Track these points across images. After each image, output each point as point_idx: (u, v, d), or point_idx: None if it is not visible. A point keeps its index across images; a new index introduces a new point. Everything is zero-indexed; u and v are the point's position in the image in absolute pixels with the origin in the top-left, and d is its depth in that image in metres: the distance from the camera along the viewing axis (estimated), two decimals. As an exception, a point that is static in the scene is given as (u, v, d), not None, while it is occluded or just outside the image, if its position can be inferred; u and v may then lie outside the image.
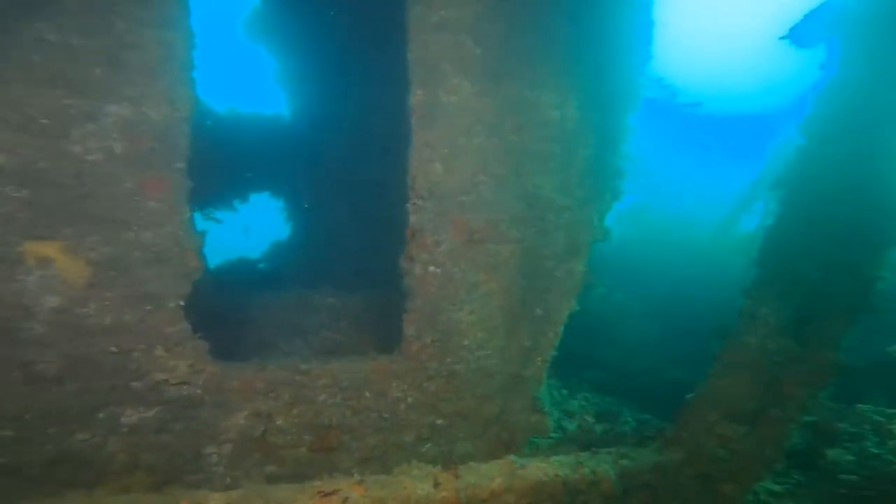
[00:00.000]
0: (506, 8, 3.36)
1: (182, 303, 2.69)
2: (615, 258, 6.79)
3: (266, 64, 6.41)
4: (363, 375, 3.26)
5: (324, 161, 6.15)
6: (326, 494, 2.13)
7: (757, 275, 3.03)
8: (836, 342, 2.95)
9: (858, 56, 2.99)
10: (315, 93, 6.13)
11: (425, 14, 3.09)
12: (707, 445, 2.83)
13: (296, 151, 6.02)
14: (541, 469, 2.44)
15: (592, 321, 5.59)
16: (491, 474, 2.31)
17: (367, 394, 3.25)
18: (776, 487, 3.41)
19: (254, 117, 5.74)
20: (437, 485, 2.20)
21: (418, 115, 3.27)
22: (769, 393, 2.84)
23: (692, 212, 9.32)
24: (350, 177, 6.17)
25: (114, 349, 2.57)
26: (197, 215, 5.36)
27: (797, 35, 4.14)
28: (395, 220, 5.55)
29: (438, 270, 3.51)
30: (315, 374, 3.11)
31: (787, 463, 3.44)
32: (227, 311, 4.45)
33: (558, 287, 3.81)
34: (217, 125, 5.31)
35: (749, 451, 2.80)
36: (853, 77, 2.98)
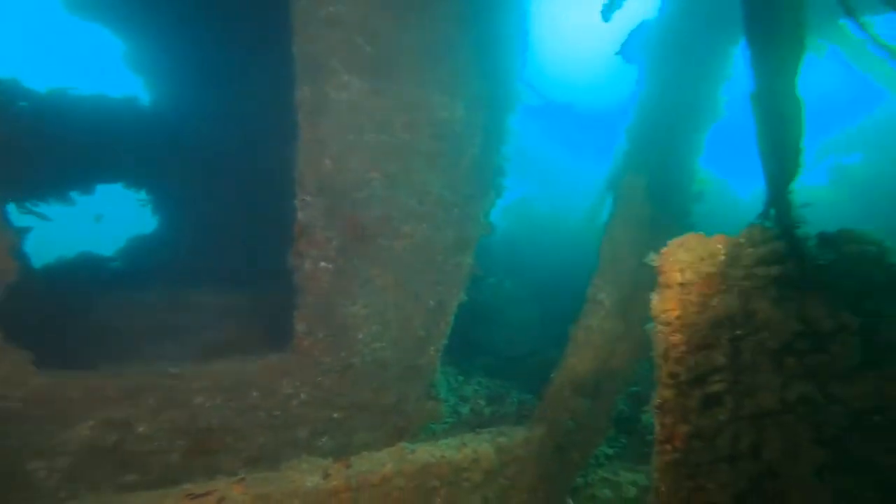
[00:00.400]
0: (396, 9, 3.41)
1: None
2: (504, 249, 7.29)
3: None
4: (249, 375, 3.17)
5: (199, 152, 5.62)
6: (196, 496, 2.02)
7: (598, 264, 3.53)
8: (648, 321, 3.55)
9: (660, 71, 3.64)
10: (184, 79, 5.54)
11: (312, 9, 3.02)
12: (562, 419, 3.26)
13: (160, 140, 5.39)
14: (428, 452, 2.61)
15: (485, 309, 5.97)
16: (382, 461, 2.41)
17: (255, 393, 3.18)
18: (609, 451, 4.02)
19: (93, 100, 4.96)
20: (326, 476, 2.24)
21: (306, 110, 3.23)
22: (605, 368, 3.36)
23: (568, 203, 10.39)
24: (232, 170, 5.73)
25: None
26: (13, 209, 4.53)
27: (624, 52, 4.88)
28: (285, 216, 5.30)
29: (330, 266, 3.51)
30: (189, 377, 2.99)
31: (616, 429, 4.04)
32: (71, 314, 3.90)
33: (448, 279, 4.03)
34: (40, 108, 4.50)
35: (591, 422, 3.29)
36: (654, 92, 3.62)
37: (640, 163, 3.55)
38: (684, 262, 1.65)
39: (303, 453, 3.17)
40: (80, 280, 4.75)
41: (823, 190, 9.71)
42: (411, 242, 3.80)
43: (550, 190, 11.30)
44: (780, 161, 1.87)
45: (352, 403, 3.53)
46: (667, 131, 3.53)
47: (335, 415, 3.44)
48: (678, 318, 1.63)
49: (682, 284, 1.63)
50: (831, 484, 1.67)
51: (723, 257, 1.61)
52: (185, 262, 5.45)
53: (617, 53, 5.14)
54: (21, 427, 2.55)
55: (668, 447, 1.66)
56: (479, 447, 2.75)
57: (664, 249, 1.74)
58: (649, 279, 3.58)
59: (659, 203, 3.39)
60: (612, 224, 3.55)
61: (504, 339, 6.00)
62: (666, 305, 1.67)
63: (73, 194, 4.98)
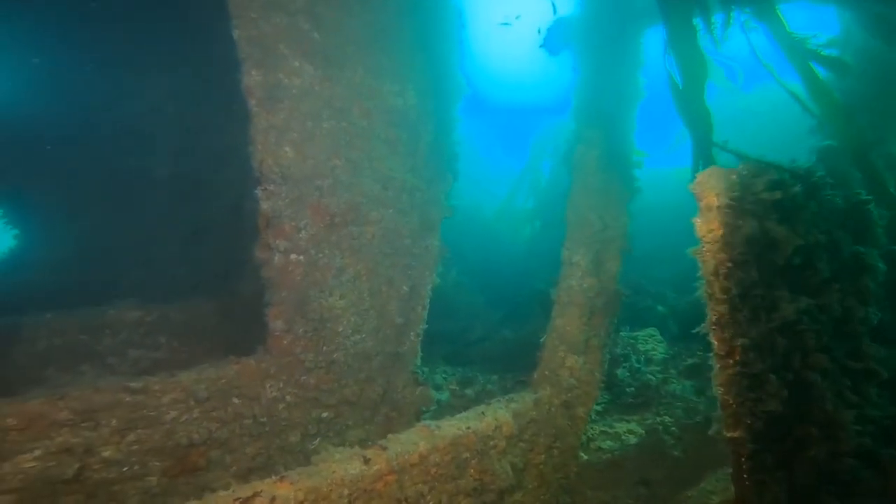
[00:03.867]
0: None
1: None
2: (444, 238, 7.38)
3: None
4: (227, 381, 2.86)
5: (82, 157, 4.82)
6: (245, 500, 1.79)
7: (567, 230, 3.79)
8: (616, 277, 3.90)
9: (590, 60, 4.09)
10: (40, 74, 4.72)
11: None
12: (562, 377, 3.43)
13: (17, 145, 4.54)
14: (454, 426, 2.56)
15: (437, 298, 5.97)
16: (413, 440, 2.32)
17: (236, 400, 2.88)
18: (598, 407, 4.31)
19: None
20: (367, 461, 2.09)
21: (258, 96, 3.06)
22: (589, 324, 3.62)
23: (492, 192, 11.07)
24: (131, 174, 5.00)
25: None
26: None
27: (548, 45, 5.35)
28: (217, 216, 4.76)
29: (301, 258, 3.30)
30: (157, 391, 2.64)
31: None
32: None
33: (419, 262, 3.98)
34: None
35: (587, 377, 3.52)
36: (588, 77, 4.06)
37: (587, 138, 3.90)
38: (717, 187, 1.85)
39: (299, 458, 2.98)
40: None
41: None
42: (380, 228, 3.70)
43: (479, 179, 11.92)
44: (696, 118, 2.27)
45: (340, 400, 3.31)
46: (604, 110, 3.94)
47: (325, 414, 3.20)
48: (722, 236, 1.81)
49: (719, 207, 1.83)
50: (831, 388, 1.99)
51: (738, 186, 1.86)
52: (87, 277, 4.58)
53: (541, 46, 5.58)
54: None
55: (730, 361, 1.83)
56: (497, 414, 2.77)
57: (698, 178, 1.93)
58: (613, 238, 3.96)
59: (609, 171, 3.76)
60: (573, 193, 3.83)
61: (458, 326, 6.06)
62: (710, 226, 1.83)
63: None
